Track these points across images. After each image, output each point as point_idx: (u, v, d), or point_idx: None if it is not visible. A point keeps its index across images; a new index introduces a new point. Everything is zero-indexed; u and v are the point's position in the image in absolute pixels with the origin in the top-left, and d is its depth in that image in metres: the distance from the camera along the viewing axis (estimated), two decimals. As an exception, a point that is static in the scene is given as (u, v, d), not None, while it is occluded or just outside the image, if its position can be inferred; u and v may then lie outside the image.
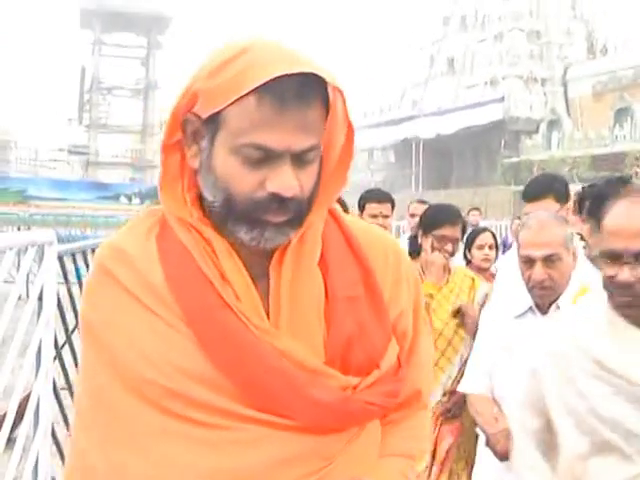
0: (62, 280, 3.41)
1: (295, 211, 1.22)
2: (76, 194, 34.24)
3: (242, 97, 1.14)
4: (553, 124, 36.00)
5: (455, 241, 3.69)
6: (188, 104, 1.22)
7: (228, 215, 1.22)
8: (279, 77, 1.12)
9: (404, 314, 1.38)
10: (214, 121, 1.19)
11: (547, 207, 3.40)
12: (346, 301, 1.28)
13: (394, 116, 43.44)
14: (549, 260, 2.56)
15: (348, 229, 1.37)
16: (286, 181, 1.17)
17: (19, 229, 21.71)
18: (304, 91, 1.15)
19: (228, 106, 1.16)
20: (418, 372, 1.40)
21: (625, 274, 1.80)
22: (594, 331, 1.91)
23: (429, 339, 1.50)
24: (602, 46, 39.98)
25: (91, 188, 35.51)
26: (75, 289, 4.16)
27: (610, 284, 1.85)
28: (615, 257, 1.82)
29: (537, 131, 36.37)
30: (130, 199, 35.08)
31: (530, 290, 2.67)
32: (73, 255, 3.79)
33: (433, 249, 3.64)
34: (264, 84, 1.12)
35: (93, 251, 5.32)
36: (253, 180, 1.18)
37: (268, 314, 1.25)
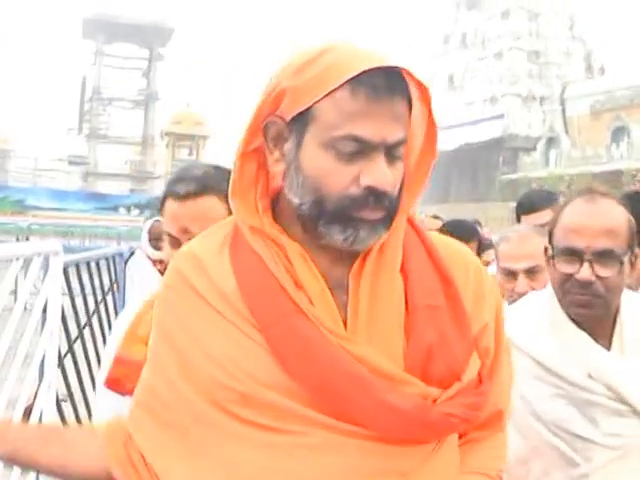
0: (65, 291, 3.41)
1: (388, 208, 1.20)
2: (75, 204, 34.21)
3: (334, 90, 1.14)
4: (551, 142, 36.33)
5: None
6: (271, 106, 1.21)
7: (319, 216, 1.19)
8: (368, 71, 1.13)
9: (487, 330, 1.34)
10: (302, 119, 1.18)
11: (544, 219, 3.26)
12: (427, 310, 1.25)
13: None
14: (531, 272, 2.50)
15: (428, 239, 1.34)
16: (382, 174, 1.16)
17: (17, 239, 21.65)
18: (393, 84, 1.15)
19: (319, 101, 1.15)
20: (499, 392, 1.36)
21: (585, 272, 1.77)
22: (534, 330, 1.90)
23: (510, 360, 1.44)
24: (600, 66, 40.52)
25: (90, 199, 35.47)
26: (79, 300, 4.23)
27: (567, 282, 1.81)
28: (575, 255, 1.79)
29: (535, 148, 36.69)
30: (129, 210, 35.02)
31: (512, 303, 2.61)
32: (77, 266, 3.82)
33: None
34: (355, 77, 1.13)
35: (97, 263, 5.40)
36: (347, 175, 1.16)
37: (345, 323, 1.22)
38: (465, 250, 1.42)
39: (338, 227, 1.18)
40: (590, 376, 1.80)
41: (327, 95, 1.14)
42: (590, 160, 32.16)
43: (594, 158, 32.24)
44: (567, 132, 37.13)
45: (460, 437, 1.34)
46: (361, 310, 1.22)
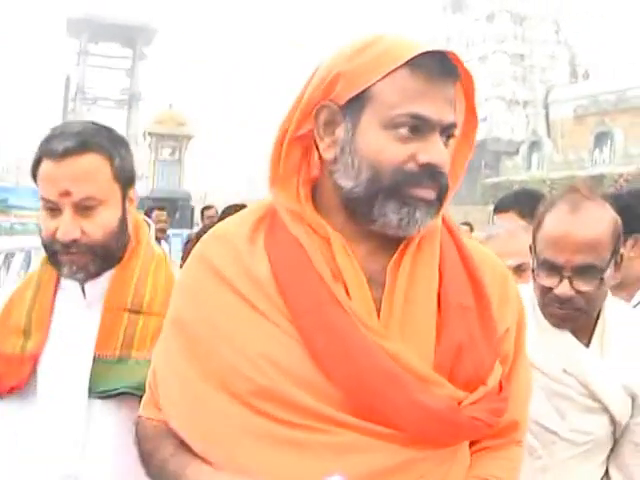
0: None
1: (442, 188, 1.21)
2: None
3: (393, 71, 1.17)
4: (534, 146, 36.35)
5: None
6: (324, 92, 1.22)
7: (377, 194, 1.19)
8: (424, 54, 1.17)
9: (508, 335, 1.34)
10: (358, 102, 1.20)
11: (511, 220, 3.30)
12: (459, 309, 1.24)
13: None
14: (519, 269, 2.45)
15: (460, 239, 1.35)
16: (439, 152, 1.19)
17: None
18: (446, 68, 1.20)
19: (377, 82, 1.18)
20: (516, 401, 1.33)
21: (564, 287, 1.74)
22: None
23: (529, 370, 1.43)
24: (584, 71, 40.58)
25: None
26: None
27: (547, 294, 1.79)
28: (554, 269, 1.75)
29: (518, 152, 36.69)
30: None
31: None
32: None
33: None
34: (413, 60, 1.17)
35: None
36: (404, 152, 1.18)
37: (378, 316, 1.21)
38: (493, 255, 1.42)
39: (394, 205, 1.19)
40: (565, 370, 1.80)
41: (386, 76, 1.18)
42: (573, 164, 32.32)
43: (577, 162, 32.45)
44: (550, 136, 37.23)
45: (473, 444, 1.32)
46: (396, 305, 1.21)
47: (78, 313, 1.66)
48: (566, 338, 1.83)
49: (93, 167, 1.59)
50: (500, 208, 3.54)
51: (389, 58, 1.18)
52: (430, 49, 1.19)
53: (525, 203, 3.52)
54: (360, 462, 1.14)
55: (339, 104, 1.22)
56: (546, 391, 1.79)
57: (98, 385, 1.57)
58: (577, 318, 1.80)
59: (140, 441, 1.33)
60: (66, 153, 1.57)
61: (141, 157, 50.09)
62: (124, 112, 51.24)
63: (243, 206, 3.89)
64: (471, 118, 1.31)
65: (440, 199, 1.23)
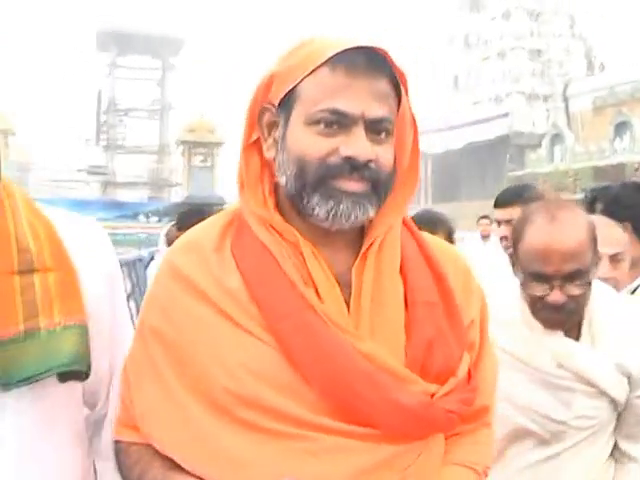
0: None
1: (372, 181, 1.21)
2: (95, 213, 34.20)
3: (316, 69, 1.19)
4: (555, 138, 36.40)
5: None
6: (264, 95, 1.26)
7: (303, 188, 1.21)
8: (349, 50, 1.18)
9: (474, 325, 1.37)
10: (288, 101, 1.22)
11: (515, 214, 3.35)
12: (425, 306, 1.26)
13: None
14: (614, 259, 2.40)
15: (420, 237, 1.37)
16: (360, 145, 1.18)
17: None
18: (373, 63, 1.19)
19: (303, 80, 1.20)
20: (484, 387, 1.36)
21: (556, 295, 1.73)
22: (504, 321, 1.85)
23: (494, 357, 1.45)
24: (600, 63, 40.74)
25: (110, 207, 35.77)
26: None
27: (538, 302, 1.79)
28: (544, 279, 1.74)
29: (540, 145, 36.83)
30: (148, 217, 35.60)
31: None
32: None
33: None
34: (335, 56, 1.18)
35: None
36: (328, 146, 1.19)
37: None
38: (453, 248, 1.48)
39: (319, 198, 1.20)
40: (560, 365, 1.82)
41: (310, 74, 1.20)
42: (594, 155, 32.32)
43: (598, 153, 32.36)
44: (570, 128, 37.23)
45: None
46: (364, 306, 1.23)
47: None
48: (556, 336, 1.84)
49: None
50: (503, 202, 3.58)
51: (314, 57, 1.19)
52: (353, 45, 1.18)
53: (528, 197, 3.54)
54: (344, 463, 1.15)
55: (275, 105, 1.24)
56: (548, 386, 1.82)
57: (11, 374, 1.24)
58: (569, 321, 1.83)
59: (125, 468, 1.29)
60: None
61: (174, 165, 50.97)
62: (156, 122, 51.72)
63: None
64: (408, 115, 1.29)
65: (377, 192, 1.22)
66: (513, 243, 1.86)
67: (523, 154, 37.07)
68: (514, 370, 1.82)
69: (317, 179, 1.20)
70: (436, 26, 47.09)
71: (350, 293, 1.25)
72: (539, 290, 1.76)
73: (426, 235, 1.42)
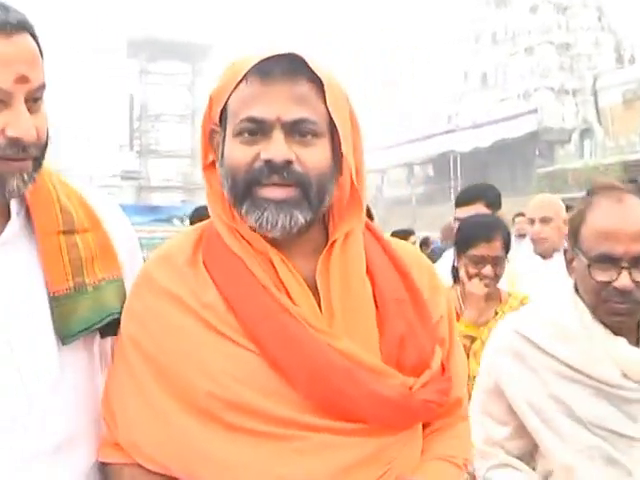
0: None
1: (299, 185, 1.22)
2: (131, 218, 33.19)
3: (238, 84, 1.24)
4: (585, 133, 36.35)
5: (496, 261, 2.82)
6: (207, 117, 1.32)
7: (235, 199, 1.25)
8: (265, 61, 1.22)
9: (443, 320, 1.41)
10: (224, 119, 1.28)
11: (477, 211, 3.49)
12: (395, 303, 1.30)
13: (431, 131, 43.52)
14: None
15: (384, 240, 1.42)
16: (277, 148, 1.20)
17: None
18: (289, 69, 1.22)
19: (229, 96, 1.25)
20: (457, 380, 1.40)
21: (624, 280, 1.65)
22: (558, 333, 1.78)
23: (462, 352, 1.51)
24: (630, 55, 40.18)
25: (145, 212, 35.46)
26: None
27: (603, 290, 1.69)
28: (611, 262, 1.66)
29: (570, 140, 36.70)
30: (182, 220, 35.68)
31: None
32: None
33: (469, 275, 2.85)
34: (253, 68, 1.22)
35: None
36: (251, 153, 1.23)
37: None
38: (415, 249, 1.54)
39: (247, 207, 1.23)
40: (625, 375, 1.71)
41: (234, 90, 1.25)
42: (625, 149, 31.98)
43: (628, 147, 32.06)
44: (600, 123, 36.97)
45: (426, 426, 1.40)
46: (335, 307, 1.26)
47: None
48: (618, 343, 1.73)
49: (37, 51, 1.27)
50: (465, 201, 3.60)
51: (235, 73, 1.25)
52: (267, 55, 1.22)
53: (490, 194, 3.70)
54: (332, 460, 1.19)
55: (218, 125, 1.30)
56: (611, 399, 1.72)
57: (70, 326, 1.33)
58: (636, 312, 1.71)
59: None
60: (16, 28, 1.22)
61: (206, 168, 51.18)
62: (187, 127, 52.03)
63: None
64: (353, 121, 1.30)
65: (307, 196, 1.23)
66: (572, 233, 1.77)
67: (552, 150, 36.89)
68: (574, 383, 1.74)
69: (244, 188, 1.24)
70: (463, 23, 46.70)
71: (319, 296, 1.29)
72: (605, 275, 1.68)
73: (389, 238, 1.47)
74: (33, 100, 1.26)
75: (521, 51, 41.38)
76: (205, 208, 1.38)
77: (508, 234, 2.91)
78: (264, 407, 1.20)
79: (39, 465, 1.29)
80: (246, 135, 1.24)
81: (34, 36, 1.27)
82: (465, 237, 2.90)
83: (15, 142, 1.23)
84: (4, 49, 1.20)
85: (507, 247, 2.86)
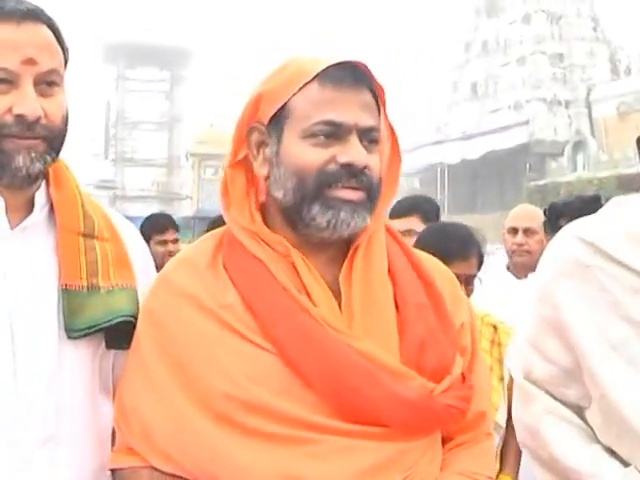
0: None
1: (367, 188, 1.29)
2: None
3: (304, 86, 1.28)
4: (578, 146, 35.97)
5: (470, 280, 2.68)
6: (251, 114, 1.33)
7: (302, 199, 1.27)
8: (333, 67, 1.28)
9: (464, 329, 1.42)
10: (279, 118, 1.30)
11: (412, 225, 3.37)
12: (416, 307, 1.32)
13: (419, 142, 43.01)
14: None
15: (406, 245, 1.44)
16: (357, 152, 1.27)
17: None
18: (357, 77, 1.29)
19: (292, 97, 1.28)
20: (479, 393, 1.39)
21: None
22: (624, 239, 1.44)
23: (486, 365, 1.51)
24: (625, 67, 39.78)
25: None
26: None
27: None
28: None
29: (562, 153, 36.32)
30: None
31: None
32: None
33: None
34: (321, 72, 1.27)
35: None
36: (325, 156, 1.26)
37: None
38: (438, 262, 1.53)
39: (319, 208, 1.26)
40: None
41: (298, 92, 1.28)
42: (619, 163, 31.68)
43: (623, 160, 31.76)
44: (594, 135, 36.82)
45: (447, 441, 1.38)
46: (355, 309, 1.28)
47: (6, 242, 1.39)
48: None
49: (52, 40, 1.38)
50: (400, 213, 3.41)
51: (301, 75, 1.29)
52: (336, 61, 1.29)
53: (427, 207, 3.57)
54: (349, 464, 1.18)
55: (265, 124, 1.32)
56: None
57: (77, 322, 1.36)
58: None
59: None
60: (26, 16, 1.34)
61: (183, 178, 50.82)
62: (165, 135, 52.04)
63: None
64: (392, 132, 1.38)
65: (371, 200, 1.30)
66: None
67: (544, 163, 36.57)
68: None
69: (316, 188, 1.26)
70: (453, 32, 46.91)
71: (341, 300, 1.30)
72: None
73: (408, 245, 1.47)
74: (46, 84, 1.34)
75: (513, 61, 41.17)
76: (221, 218, 1.41)
77: (481, 248, 2.78)
78: (279, 408, 1.20)
79: (32, 460, 1.33)
80: (321, 137, 1.27)
81: (51, 28, 1.37)
82: (439, 252, 2.14)
83: (20, 119, 1.31)
84: (13, 35, 1.31)
85: (481, 263, 2.74)
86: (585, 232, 1.50)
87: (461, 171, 39.47)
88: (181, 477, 1.25)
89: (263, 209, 1.36)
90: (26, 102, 1.30)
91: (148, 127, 53.40)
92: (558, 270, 1.50)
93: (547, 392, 1.49)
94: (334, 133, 1.27)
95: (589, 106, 38.65)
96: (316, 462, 1.19)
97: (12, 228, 1.39)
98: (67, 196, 1.44)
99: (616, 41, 41.69)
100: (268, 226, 1.34)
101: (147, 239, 3.70)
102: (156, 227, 4.77)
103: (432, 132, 44.53)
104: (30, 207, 1.41)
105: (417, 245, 2.56)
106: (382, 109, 1.34)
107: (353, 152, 1.26)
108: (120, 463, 1.34)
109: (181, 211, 43.21)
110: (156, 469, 1.27)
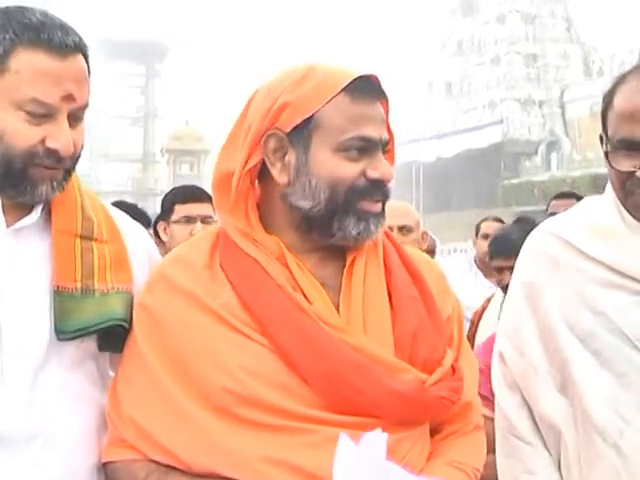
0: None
1: (385, 201, 1.36)
2: None
3: (333, 97, 1.29)
4: (552, 145, 36.24)
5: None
6: (270, 121, 1.32)
7: (335, 211, 1.31)
8: (357, 79, 1.31)
9: (451, 320, 1.46)
10: (305, 127, 1.30)
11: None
12: (409, 299, 1.36)
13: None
14: None
15: (398, 243, 1.48)
16: (386, 168, 1.32)
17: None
18: (376, 90, 1.34)
19: (320, 109, 1.29)
20: (466, 384, 1.41)
21: None
22: (598, 234, 1.60)
23: (473, 356, 1.54)
24: (598, 68, 39.99)
25: None
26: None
27: (627, 181, 1.54)
28: (634, 148, 1.51)
29: (536, 153, 36.60)
30: None
31: None
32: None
33: None
34: (349, 84, 1.30)
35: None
36: (356, 170, 1.30)
37: (339, 315, 1.33)
38: (426, 256, 1.59)
39: (352, 220, 1.31)
40: None
41: (327, 103, 1.29)
42: (593, 162, 31.80)
43: (597, 160, 31.91)
44: (568, 135, 37.02)
45: (437, 432, 1.42)
46: (354, 303, 1.32)
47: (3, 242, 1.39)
48: None
49: (86, 70, 1.38)
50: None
51: (328, 85, 1.30)
52: (361, 74, 1.32)
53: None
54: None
55: (284, 131, 1.31)
56: None
57: (68, 323, 1.36)
58: None
59: None
60: (73, 50, 1.34)
61: (159, 174, 50.45)
62: (140, 129, 51.42)
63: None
64: (390, 133, 1.40)
65: (384, 209, 1.37)
66: (602, 115, 1.61)
67: (518, 162, 36.84)
68: (617, 289, 1.54)
69: (348, 202, 1.30)
70: (427, 31, 46.87)
71: (336, 296, 1.34)
72: (628, 163, 1.52)
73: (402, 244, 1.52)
74: (75, 117, 1.36)
75: (487, 61, 41.33)
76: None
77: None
78: (276, 402, 1.23)
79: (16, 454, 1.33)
80: (354, 152, 1.30)
81: (85, 56, 1.37)
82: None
83: (53, 153, 1.33)
84: (58, 69, 1.31)
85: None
86: (557, 228, 1.68)
87: (436, 170, 39.41)
88: (176, 468, 1.27)
89: (260, 208, 1.39)
90: (62, 138, 1.32)
91: (123, 122, 52.93)
92: (532, 260, 1.69)
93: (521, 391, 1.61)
94: (365, 148, 1.30)
95: (563, 106, 38.92)
96: (311, 451, 1.21)
97: (7, 228, 1.39)
98: (65, 198, 1.44)
99: (589, 42, 41.96)
100: (265, 225, 1.37)
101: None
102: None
103: (407, 131, 43.81)
104: (27, 207, 1.41)
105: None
106: (386, 118, 1.37)
107: (382, 167, 1.31)
108: (113, 456, 1.35)
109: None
110: (151, 461, 1.29)
